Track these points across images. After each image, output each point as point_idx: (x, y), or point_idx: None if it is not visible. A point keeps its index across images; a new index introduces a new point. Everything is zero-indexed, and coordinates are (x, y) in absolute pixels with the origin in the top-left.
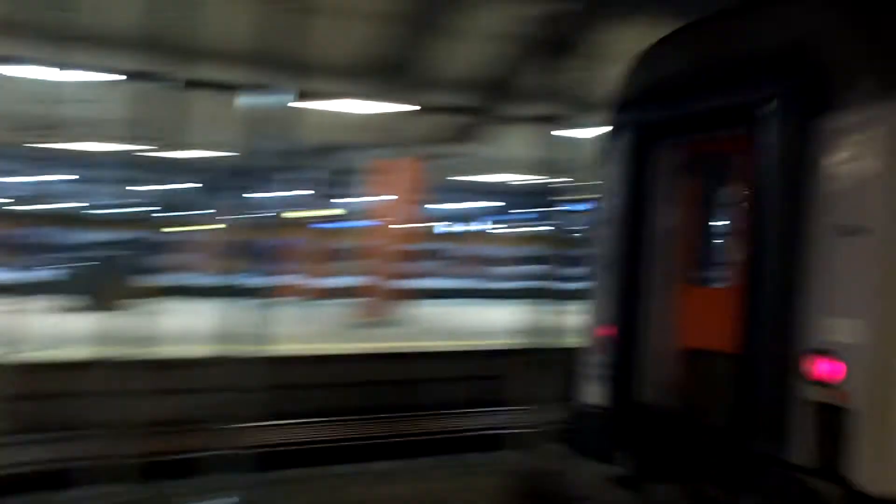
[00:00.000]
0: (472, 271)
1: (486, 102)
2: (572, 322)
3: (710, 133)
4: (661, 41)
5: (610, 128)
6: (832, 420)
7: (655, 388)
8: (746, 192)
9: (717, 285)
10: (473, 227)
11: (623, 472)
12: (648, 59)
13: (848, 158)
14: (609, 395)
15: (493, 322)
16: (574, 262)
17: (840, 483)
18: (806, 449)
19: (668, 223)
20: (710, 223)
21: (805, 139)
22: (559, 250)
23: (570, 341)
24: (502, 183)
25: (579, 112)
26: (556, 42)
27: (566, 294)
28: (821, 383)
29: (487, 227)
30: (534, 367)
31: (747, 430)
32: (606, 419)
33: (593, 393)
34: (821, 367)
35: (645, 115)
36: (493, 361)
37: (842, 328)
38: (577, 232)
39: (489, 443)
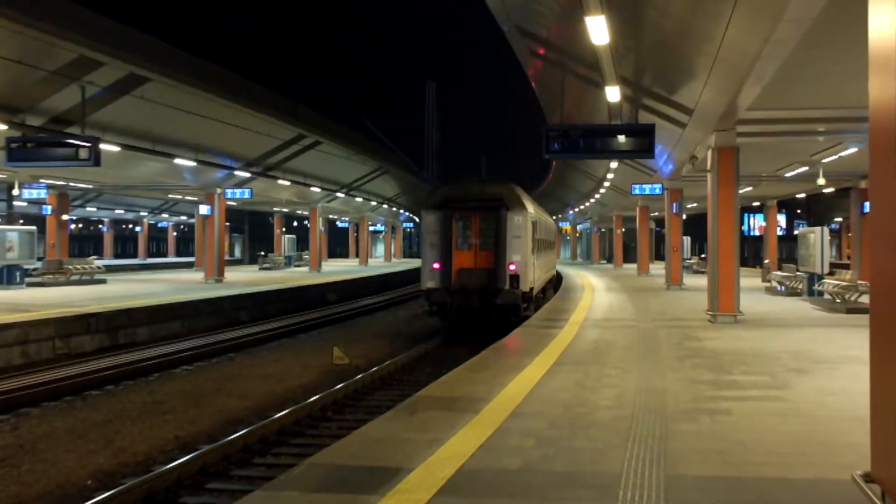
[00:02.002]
0: None
1: None
2: None
3: (463, 212)
4: (447, 186)
5: (432, 203)
6: (514, 278)
7: (458, 281)
8: (488, 226)
9: (465, 250)
10: None
11: (446, 311)
12: (442, 188)
13: (516, 220)
14: (439, 282)
15: None
16: None
17: (518, 289)
18: (509, 284)
19: (447, 232)
20: (456, 233)
21: (505, 217)
22: None
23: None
24: None
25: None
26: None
27: None
28: (510, 271)
29: None
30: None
31: (495, 286)
32: (439, 290)
33: (429, 282)
34: (511, 266)
35: (445, 202)
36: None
37: (516, 257)
38: None
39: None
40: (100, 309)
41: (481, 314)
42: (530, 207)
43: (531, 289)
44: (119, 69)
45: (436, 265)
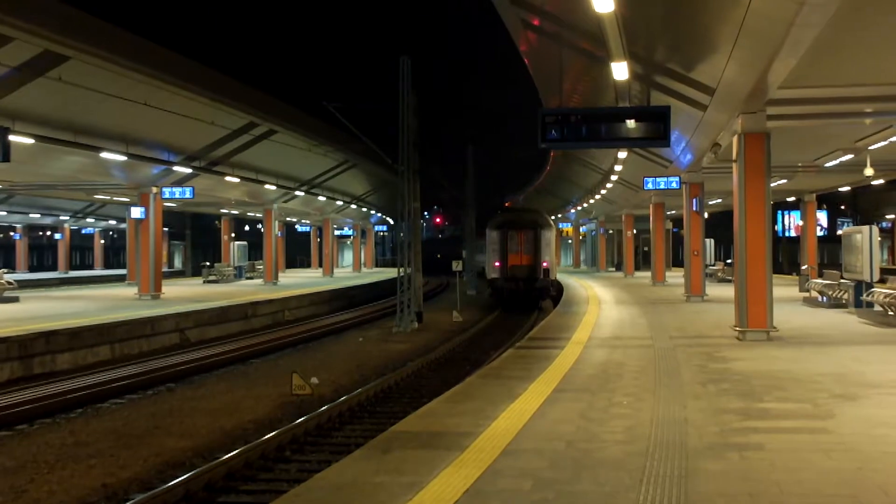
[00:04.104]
0: None
1: None
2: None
3: (514, 230)
4: (501, 211)
5: (493, 225)
6: (546, 271)
7: (510, 272)
8: (529, 239)
9: (514, 254)
10: None
11: (503, 292)
12: (499, 214)
13: (546, 235)
14: (499, 274)
15: None
16: None
17: (548, 278)
18: (543, 275)
19: (504, 243)
20: (509, 243)
21: (540, 234)
22: None
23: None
24: None
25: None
26: None
27: None
28: (543, 266)
29: None
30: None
31: (535, 276)
32: (499, 279)
33: (492, 274)
34: (544, 264)
35: (502, 224)
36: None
37: (547, 258)
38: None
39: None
40: (11, 332)
41: (525, 294)
42: (553, 227)
43: (555, 278)
44: (31, 45)
45: (497, 263)
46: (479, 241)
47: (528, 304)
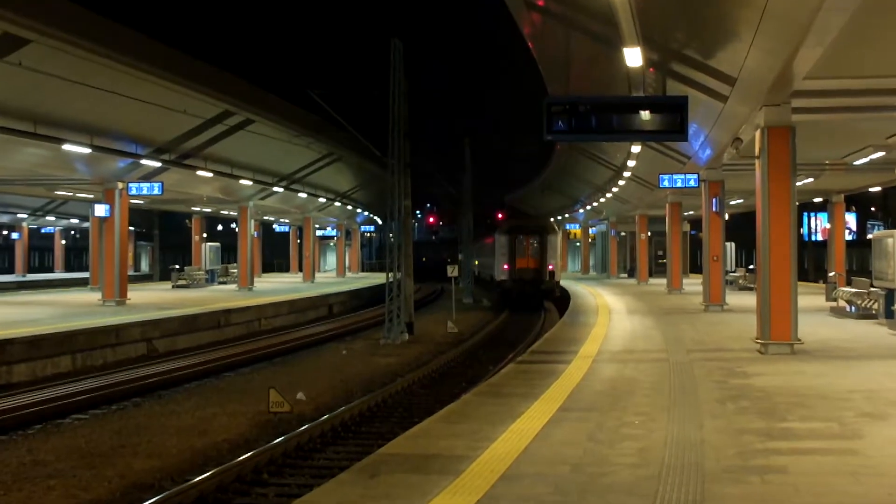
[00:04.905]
0: None
1: None
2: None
3: (522, 235)
4: (508, 217)
5: (502, 230)
6: (551, 273)
7: (517, 274)
8: (536, 244)
9: (522, 258)
10: None
11: (511, 293)
12: (507, 220)
13: (552, 240)
14: (507, 276)
15: None
16: None
17: (553, 280)
18: (548, 277)
19: (512, 247)
20: (517, 247)
21: (546, 239)
22: None
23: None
24: None
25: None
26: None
27: None
28: (549, 269)
29: None
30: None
31: (541, 278)
32: (507, 281)
33: (500, 276)
34: (549, 266)
35: (511, 229)
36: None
37: (552, 261)
38: None
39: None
40: None
41: (532, 295)
42: (558, 232)
43: (559, 280)
44: None
45: (505, 266)
46: (477, 244)
47: (534, 304)
